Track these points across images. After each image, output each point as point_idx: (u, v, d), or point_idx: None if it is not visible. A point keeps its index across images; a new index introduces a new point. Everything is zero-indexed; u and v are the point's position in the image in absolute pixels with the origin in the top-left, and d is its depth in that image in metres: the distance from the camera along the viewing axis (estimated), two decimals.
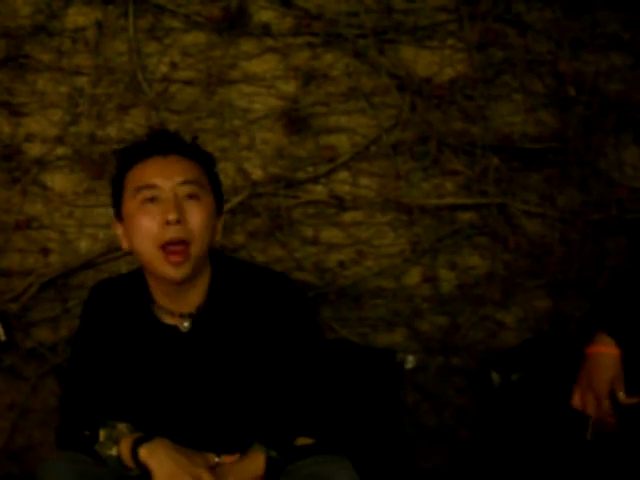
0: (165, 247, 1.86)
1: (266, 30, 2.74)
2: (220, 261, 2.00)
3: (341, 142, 2.78)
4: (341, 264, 2.80)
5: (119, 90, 2.74)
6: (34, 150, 2.76)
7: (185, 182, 1.89)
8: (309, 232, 2.79)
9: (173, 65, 2.74)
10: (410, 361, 2.71)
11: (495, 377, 2.26)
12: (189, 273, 1.89)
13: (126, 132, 2.76)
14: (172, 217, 1.85)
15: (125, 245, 1.95)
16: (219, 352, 1.94)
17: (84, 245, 2.79)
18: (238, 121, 2.75)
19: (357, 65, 2.76)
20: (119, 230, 1.97)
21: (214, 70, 2.73)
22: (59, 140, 2.75)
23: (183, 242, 1.86)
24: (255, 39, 2.75)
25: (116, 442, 1.84)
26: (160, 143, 1.95)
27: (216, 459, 1.86)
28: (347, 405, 2.00)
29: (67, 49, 2.74)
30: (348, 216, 2.80)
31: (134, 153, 1.95)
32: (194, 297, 1.95)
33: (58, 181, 2.78)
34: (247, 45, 2.75)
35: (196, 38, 2.74)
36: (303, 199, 2.77)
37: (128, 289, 2.00)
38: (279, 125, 2.75)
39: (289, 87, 2.76)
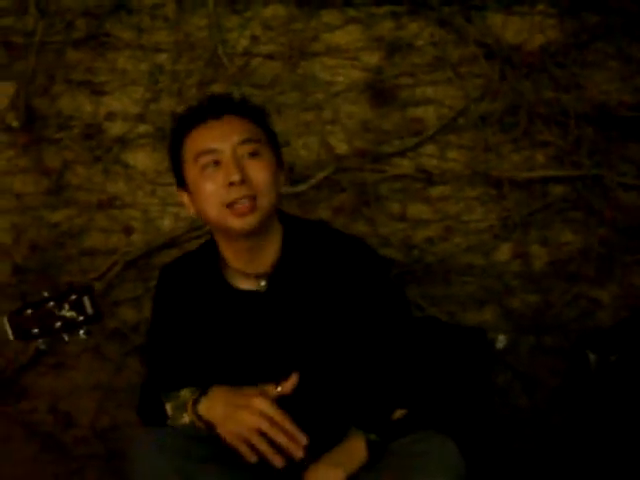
0: (231, 205, 1.88)
1: (348, 0, 2.69)
2: (290, 220, 2.02)
3: (428, 114, 2.72)
4: (429, 240, 2.75)
5: (199, 66, 2.71)
6: (115, 128, 2.76)
7: (244, 141, 1.91)
8: (396, 208, 2.75)
9: (254, 39, 2.71)
10: (501, 340, 2.67)
11: (592, 358, 2.21)
12: (256, 224, 1.89)
13: None
14: (235, 178, 1.86)
15: (192, 211, 1.98)
16: (297, 310, 1.93)
17: (167, 224, 2.79)
18: (321, 94, 2.71)
19: (443, 34, 2.70)
20: (184, 198, 1.99)
21: (296, 43, 2.69)
22: (140, 118, 2.75)
23: (249, 197, 1.87)
24: (337, 10, 2.70)
25: (185, 409, 1.86)
26: (211, 106, 1.95)
27: (278, 389, 1.81)
28: (437, 384, 1.95)
29: (146, 26, 2.73)
30: (436, 191, 2.75)
31: (188, 120, 1.96)
32: (268, 256, 1.96)
33: (140, 159, 2.78)
34: (329, 16, 2.71)
35: (277, 11, 2.71)
36: (389, 173, 2.73)
37: (199, 262, 2.04)
38: (364, 98, 2.71)
39: (373, 58, 2.71)
